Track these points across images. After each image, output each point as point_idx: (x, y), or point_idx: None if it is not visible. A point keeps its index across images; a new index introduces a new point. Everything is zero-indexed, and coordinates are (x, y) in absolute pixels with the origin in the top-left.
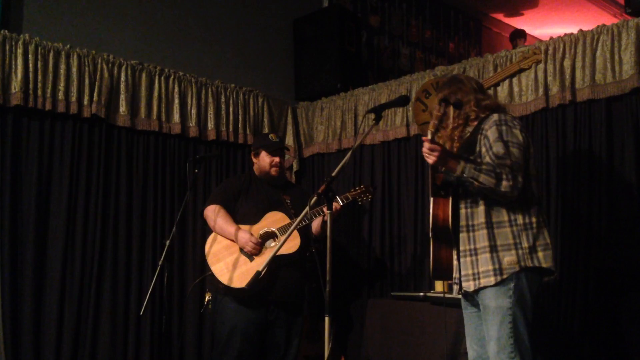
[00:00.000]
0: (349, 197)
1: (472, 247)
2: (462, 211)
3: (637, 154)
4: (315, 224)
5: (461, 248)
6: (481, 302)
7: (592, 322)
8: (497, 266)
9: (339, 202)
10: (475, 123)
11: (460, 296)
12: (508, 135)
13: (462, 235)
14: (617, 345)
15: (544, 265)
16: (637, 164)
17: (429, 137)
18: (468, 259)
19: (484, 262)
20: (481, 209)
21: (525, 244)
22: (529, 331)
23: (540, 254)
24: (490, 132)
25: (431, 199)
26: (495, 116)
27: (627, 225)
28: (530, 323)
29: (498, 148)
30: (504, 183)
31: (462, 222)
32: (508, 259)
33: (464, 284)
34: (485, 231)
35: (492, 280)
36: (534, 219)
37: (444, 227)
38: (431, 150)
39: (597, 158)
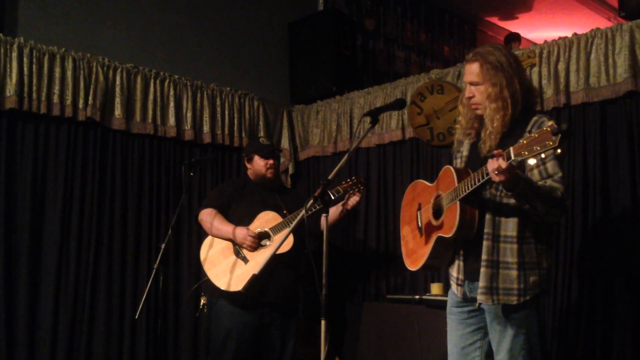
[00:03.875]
0: (340, 190)
1: (495, 258)
2: (488, 217)
3: (631, 157)
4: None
5: (483, 257)
6: (491, 313)
7: (587, 323)
8: (522, 286)
9: (346, 207)
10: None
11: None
12: (562, 153)
13: (486, 244)
14: (612, 347)
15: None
16: (631, 166)
17: (513, 157)
18: (488, 270)
19: (508, 279)
20: (513, 220)
21: (544, 264)
22: (542, 344)
23: (548, 277)
24: None
25: (456, 204)
26: (547, 122)
27: (621, 227)
28: (542, 337)
29: (554, 169)
30: (555, 210)
31: (487, 230)
32: (533, 278)
33: (479, 297)
34: (516, 246)
35: (514, 300)
36: (552, 239)
37: (467, 234)
38: (506, 171)
39: (591, 161)
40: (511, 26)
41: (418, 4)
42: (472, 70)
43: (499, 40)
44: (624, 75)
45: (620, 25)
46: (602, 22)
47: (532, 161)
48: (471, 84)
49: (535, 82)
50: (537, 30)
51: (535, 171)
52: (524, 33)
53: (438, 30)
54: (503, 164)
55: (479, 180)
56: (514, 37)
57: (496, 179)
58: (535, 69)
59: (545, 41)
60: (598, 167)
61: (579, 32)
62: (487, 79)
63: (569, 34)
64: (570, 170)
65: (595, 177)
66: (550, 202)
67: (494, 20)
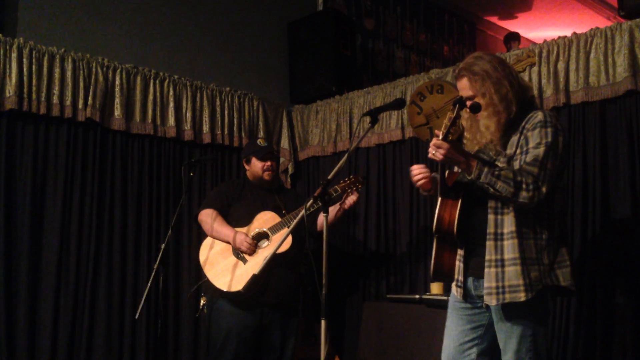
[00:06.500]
0: (337, 189)
1: (498, 257)
2: (491, 217)
3: (631, 156)
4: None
5: (487, 257)
6: (498, 313)
7: (587, 323)
8: (527, 281)
9: (344, 205)
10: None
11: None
12: (549, 141)
13: (489, 244)
14: (612, 347)
15: (562, 283)
16: (630, 166)
17: (441, 135)
18: (493, 270)
19: (513, 275)
20: (511, 215)
21: (545, 260)
22: (547, 346)
23: (557, 272)
24: (532, 135)
25: (439, 199)
26: (540, 115)
27: (621, 226)
28: (547, 338)
29: (533, 155)
30: (523, 194)
31: (490, 230)
32: (534, 274)
33: (485, 298)
34: (515, 241)
35: (521, 296)
36: (556, 234)
37: (448, 230)
38: (437, 147)
39: (591, 160)
40: (511, 26)
41: (417, 3)
42: (462, 86)
43: (498, 40)
44: (624, 74)
45: (620, 25)
46: (601, 22)
47: (518, 151)
48: (467, 98)
49: (534, 82)
50: (536, 29)
51: (517, 162)
52: (524, 32)
53: (437, 30)
54: (434, 139)
55: (441, 173)
56: (514, 37)
57: (436, 158)
58: (535, 69)
59: (545, 40)
60: (598, 166)
61: (579, 31)
62: (477, 90)
63: (569, 34)
64: (570, 169)
65: (595, 176)
66: (512, 182)
67: (494, 19)
